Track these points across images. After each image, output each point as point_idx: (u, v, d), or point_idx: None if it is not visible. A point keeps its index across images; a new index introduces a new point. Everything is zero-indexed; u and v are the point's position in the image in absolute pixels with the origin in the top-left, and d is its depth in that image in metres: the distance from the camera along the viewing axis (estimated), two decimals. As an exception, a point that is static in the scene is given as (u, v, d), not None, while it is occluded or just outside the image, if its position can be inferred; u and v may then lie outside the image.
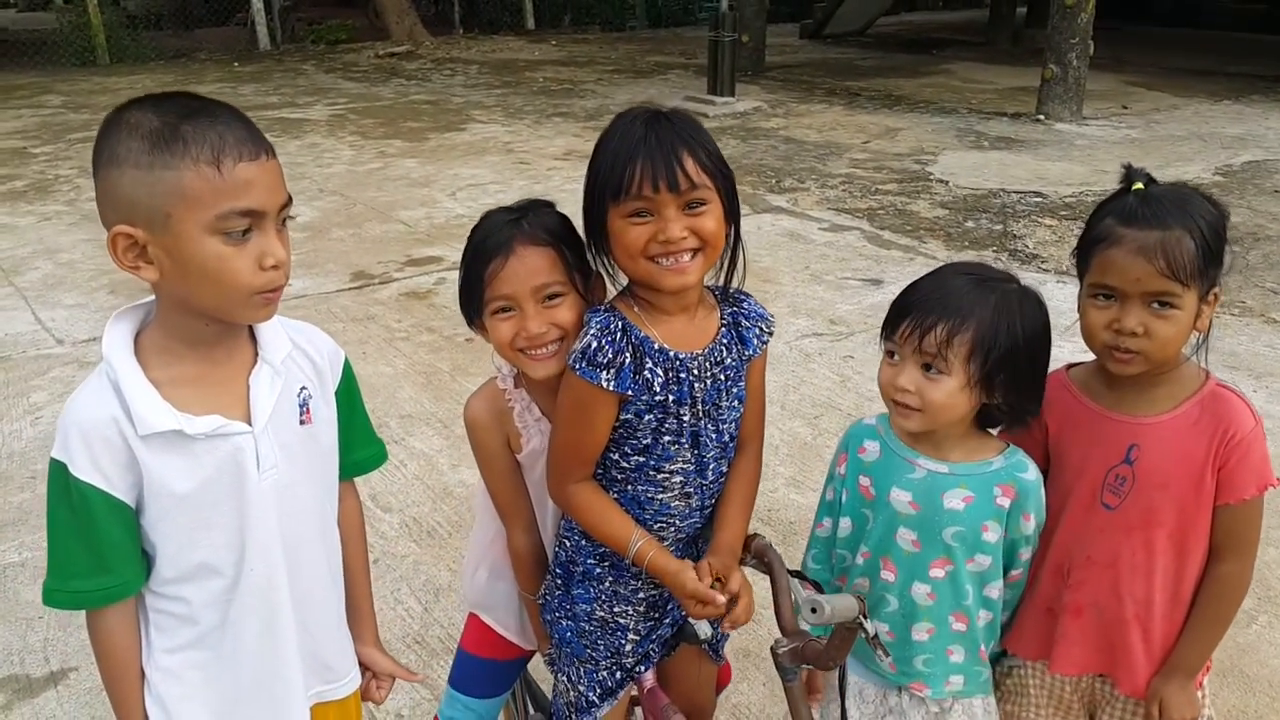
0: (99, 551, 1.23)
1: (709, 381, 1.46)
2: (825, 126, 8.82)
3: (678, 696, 1.75)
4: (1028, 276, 5.96)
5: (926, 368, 1.43)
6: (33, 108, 9.72)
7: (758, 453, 1.60)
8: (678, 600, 1.49)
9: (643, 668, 1.67)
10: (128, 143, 1.14)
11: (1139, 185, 1.45)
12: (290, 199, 1.23)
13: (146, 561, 1.29)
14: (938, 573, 1.52)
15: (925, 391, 1.43)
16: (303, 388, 1.34)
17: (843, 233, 5.91)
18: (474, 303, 1.52)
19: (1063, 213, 6.19)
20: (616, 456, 1.49)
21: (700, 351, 1.45)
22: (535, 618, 1.70)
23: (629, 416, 1.45)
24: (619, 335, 1.41)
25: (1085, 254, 1.48)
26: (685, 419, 1.45)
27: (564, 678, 1.65)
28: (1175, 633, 1.54)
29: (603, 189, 1.36)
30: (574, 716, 1.63)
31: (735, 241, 1.45)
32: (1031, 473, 1.52)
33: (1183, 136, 8.30)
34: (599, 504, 1.49)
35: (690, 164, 1.34)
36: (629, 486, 1.50)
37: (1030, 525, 1.53)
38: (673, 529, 1.54)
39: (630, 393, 1.41)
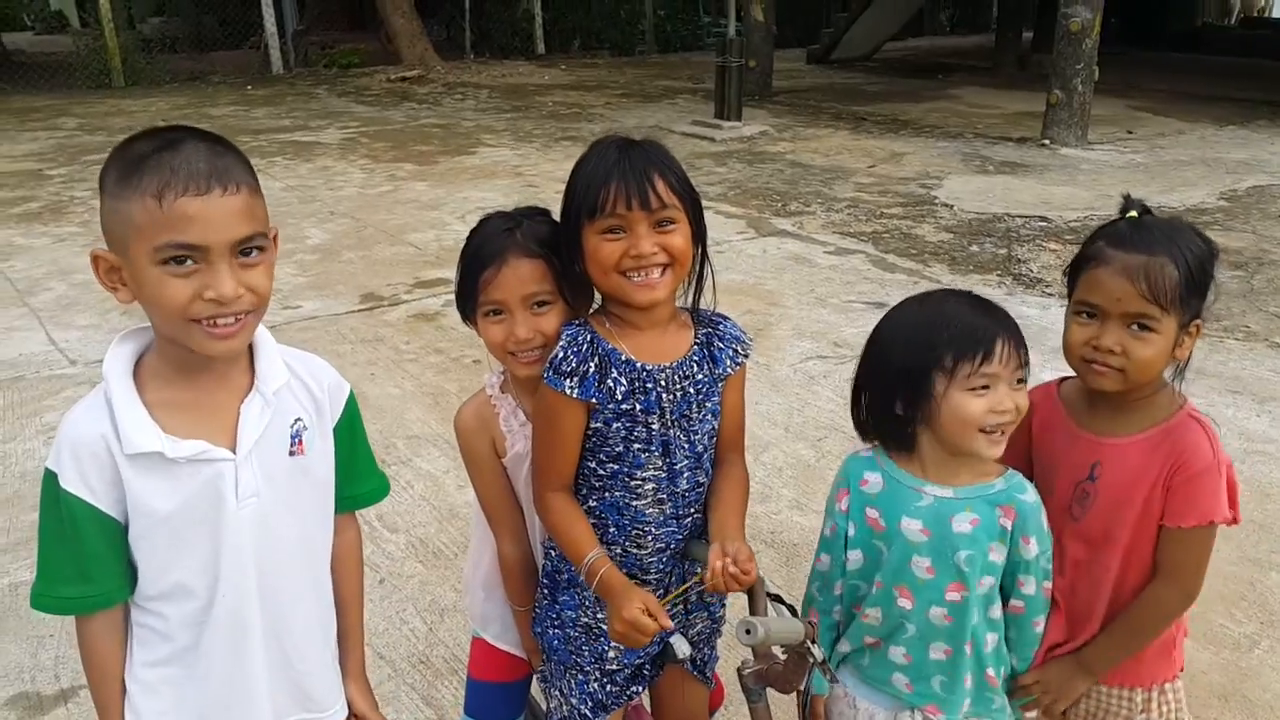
0: (82, 562, 1.27)
1: (678, 394, 1.54)
2: (831, 151, 8.88)
3: (667, 716, 1.77)
4: (1031, 301, 5.94)
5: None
6: (49, 130, 9.85)
7: (741, 461, 1.68)
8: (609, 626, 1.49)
9: (638, 688, 1.69)
10: (110, 172, 1.21)
11: (1133, 213, 1.51)
12: (258, 233, 1.23)
13: (133, 575, 1.32)
14: (954, 596, 1.54)
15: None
16: (297, 419, 1.36)
17: (848, 256, 5.95)
18: (469, 303, 1.62)
19: (1067, 237, 6.22)
20: (594, 464, 1.57)
21: (669, 365, 1.54)
22: (525, 630, 1.73)
23: (599, 425, 1.53)
24: (585, 347, 1.51)
25: (1075, 273, 1.54)
26: (654, 428, 1.53)
27: (557, 693, 1.68)
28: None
29: (579, 208, 1.47)
30: None
31: (702, 261, 1.56)
32: (1030, 494, 1.55)
33: (1188, 161, 8.33)
34: (568, 514, 1.56)
35: (661, 185, 1.45)
36: (606, 493, 1.57)
37: (1032, 549, 1.54)
38: (650, 537, 1.59)
39: (595, 400, 1.50)
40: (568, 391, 1.49)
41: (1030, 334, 5.28)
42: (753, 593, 1.51)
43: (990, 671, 1.60)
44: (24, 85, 12.46)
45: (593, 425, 1.54)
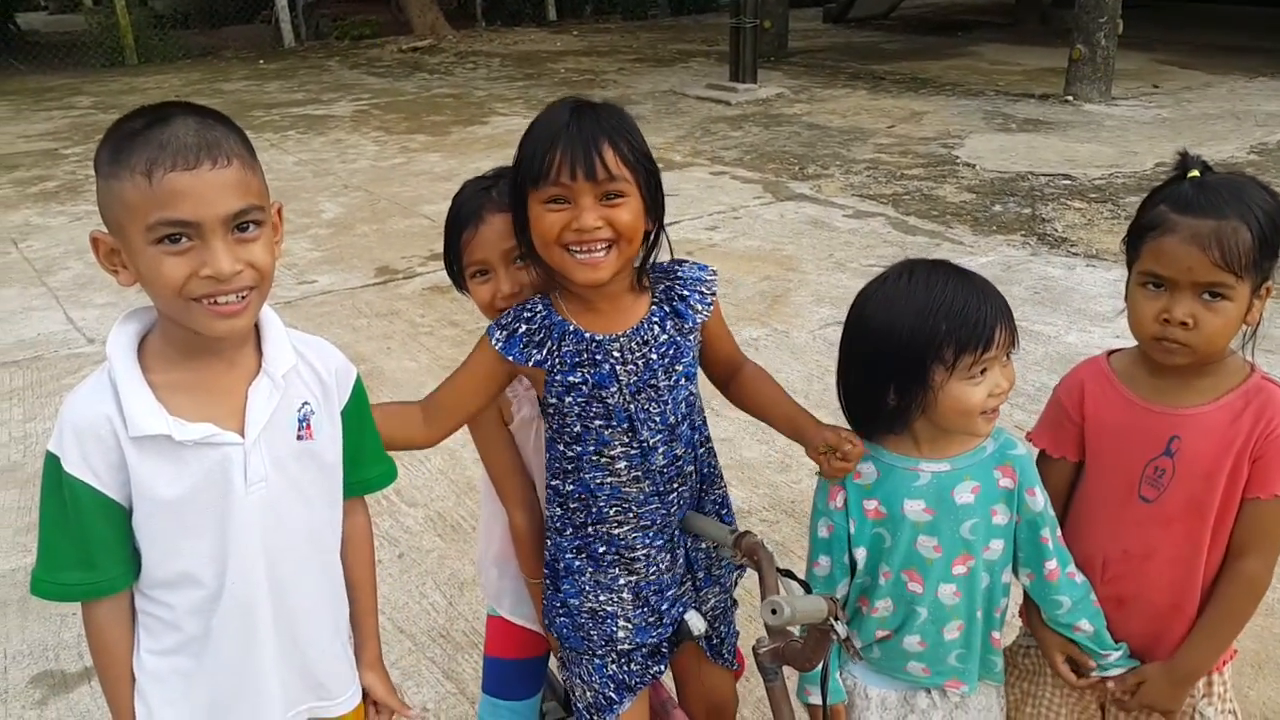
0: (85, 547, 1.24)
1: (640, 363, 1.48)
2: (849, 111, 8.73)
3: (694, 702, 1.74)
4: (1056, 261, 5.83)
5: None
6: (64, 109, 9.85)
7: (752, 363, 1.68)
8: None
9: (659, 667, 1.66)
10: (103, 152, 1.18)
11: (1194, 173, 1.41)
12: (252, 206, 1.19)
13: (137, 561, 1.29)
14: (960, 569, 1.51)
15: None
16: (304, 403, 1.33)
17: (867, 219, 5.85)
18: (456, 269, 1.61)
19: (1092, 195, 6.09)
20: (561, 448, 1.53)
21: (622, 333, 1.48)
22: (540, 603, 1.70)
23: (553, 401, 1.49)
24: (533, 313, 1.48)
25: (1136, 241, 1.44)
26: (612, 402, 1.47)
27: (577, 679, 1.65)
28: None
29: (524, 175, 1.40)
30: (595, 716, 1.63)
31: (655, 237, 1.48)
32: (1020, 447, 1.52)
33: (1216, 115, 8.12)
34: (397, 422, 1.52)
35: (610, 155, 1.37)
36: (580, 474, 1.53)
37: (1039, 500, 1.51)
38: (631, 514, 1.54)
39: (514, 360, 1.46)
40: (494, 342, 1.47)
41: (1055, 295, 5.21)
42: (763, 570, 1.48)
43: (995, 634, 1.58)
44: (38, 65, 12.46)
45: (549, 402, 1.50)
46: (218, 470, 1.25)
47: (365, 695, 1.51)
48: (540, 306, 1.49)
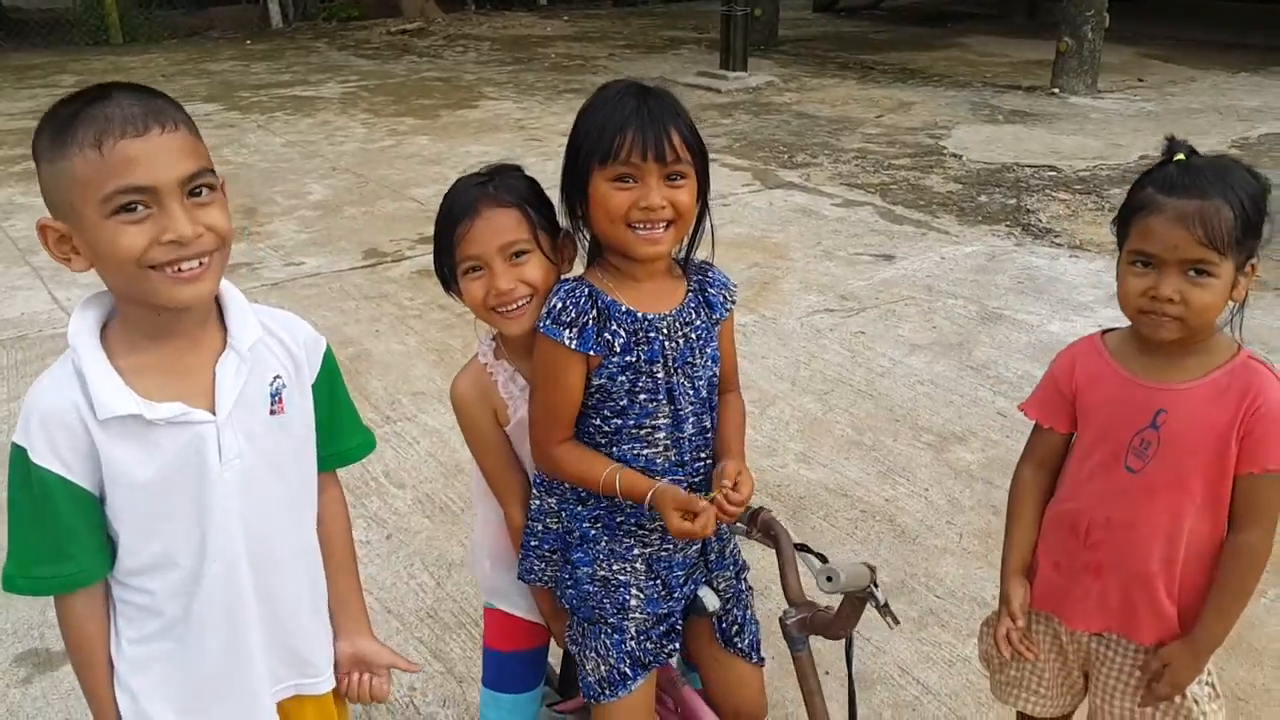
0: (57, 538, 1.22)
1: (680, 341, 1.54)
2: (838, 101, 8.75)
3: (720, 698, 1.73)
4: (1041, 251, 5.89)
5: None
6: (47, 88, 9.73)
7: (738, 394, 1.72)
8: (667, 523, 1.49)
9: (674, 645, 1.67)
10: (39, 142, 1.16)
11: (1180, 156, 1.46)
12: (204, 169, 1.19)
13: (111, 550, 1.27)
14: None
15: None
16: (276, 376, 1.31)
17: (855, 208, 5.88)
18: (447, 266, 1.59)
19: (1077, 187, 6.14)
20: (598, 421, 1.55)
21: (669, 313, 1.54)
22: (541, 596, 1.71)
23: (602, 381, 1.52)
24: (584, 299, 1.50)
25: (1125, 222, 1.49)
26: (659, 375, 1.53)
27: (592, 654, 1.65)
28: (1198, 587, 1.55)
29: (590, 153, 1.44)
30: (606, 691, 1.63)
31: (701, 215, 1.55)
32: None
33: (1199, 109, 8.19)
34: (583, 455, 1.56)
35: (676, 138, 1.44)
36: (613, 448, 1.56)
37: None
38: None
39: (594, 353, 1.49)
40: (567, 342, 1.48)
41: (1039, 284, 5.27)
42: (780, 544, 1.50)
43: None
44: (22, 43, 12.29)
45: (595, 382, 1.52)
46: (191, 449, 1.23)
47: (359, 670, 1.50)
48: (583, 289, 1.51)
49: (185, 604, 1.29)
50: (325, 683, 1.46)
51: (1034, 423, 1.68)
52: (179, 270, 1.17)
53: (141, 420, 1.19)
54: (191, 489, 1.25)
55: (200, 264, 1.18)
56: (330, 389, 1.42)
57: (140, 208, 1.14)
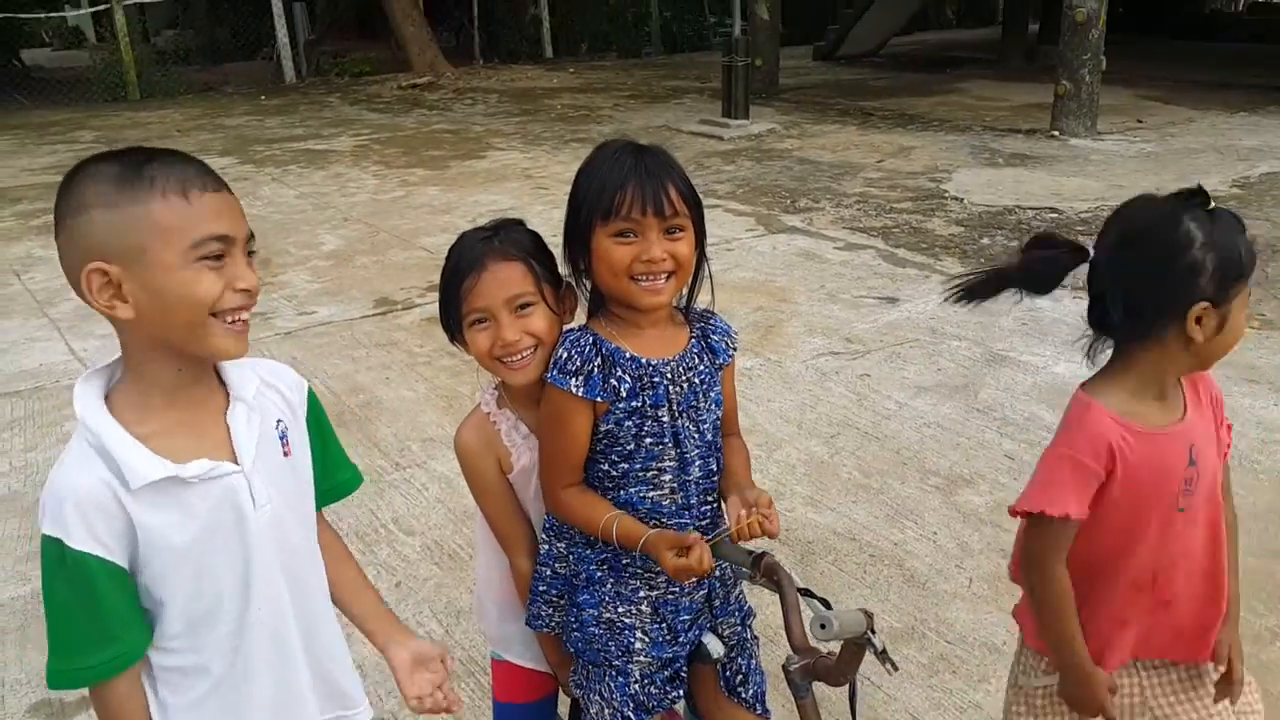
0: (103, 622, 1.21)
1: (685, 386, 1.58)
2: (839, 146, 8.87)
3: None
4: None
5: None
6: (67, 143, 9.95)
7: (740, 438, 1.76)
8: (664, 570, 1.50)
9: (677, 692, 1.67)
10: (94, 189, 1.17)
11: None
12: (253, 234, 1.26)
13: (149, 620, 1.26)
14: None
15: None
16: (279, 420, 1.35)
17: (858, 251, 5.94)
18: (453, 317, 1.63)
19: (1079, 228, 6.19)
20: (606, 466, 1.59)
21: (672, 358, 1.58)
22: (548, 644, 1.72)
23: (609, 426, 1.55)
24: (588, 347, 1.54)
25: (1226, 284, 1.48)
26: (665, 420, 1.57)
27: (595, 697, 1.66)
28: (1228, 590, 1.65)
29: (592, 210, 1.50)
30: None
31: (698, 264, 1.60)
32: None
33: (1199, 149, 8.28)
34: (587, 500, 1.59)
35: (674, 193, 1.49)
36: (620, 492, 1.59)
37: None
38: (662, 526, 1.59)
39: (600, 399, 1.53)
40: (573, 389, 1.52)
41: (1043, 326, 5.30)
42: (783, 589, 1.51)
43: None
44: (43, 100, 12.61)
45: (603, 428, 1.56)
46: (226, 503, 1.25)
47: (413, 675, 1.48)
48: (588, 338, 1.55)
49: (232, 657, 1.29)
50: (363, 714, 1.48)
51: (1053, 519, 1.53)
52: (237, 321, 1.22)
53: (175, 482, 1.20)
54: (232, 541, 1.26)
55: (246, 319, 1.25)
56: (319, 426, 1.45)
57: (218, 258, 1.20)
